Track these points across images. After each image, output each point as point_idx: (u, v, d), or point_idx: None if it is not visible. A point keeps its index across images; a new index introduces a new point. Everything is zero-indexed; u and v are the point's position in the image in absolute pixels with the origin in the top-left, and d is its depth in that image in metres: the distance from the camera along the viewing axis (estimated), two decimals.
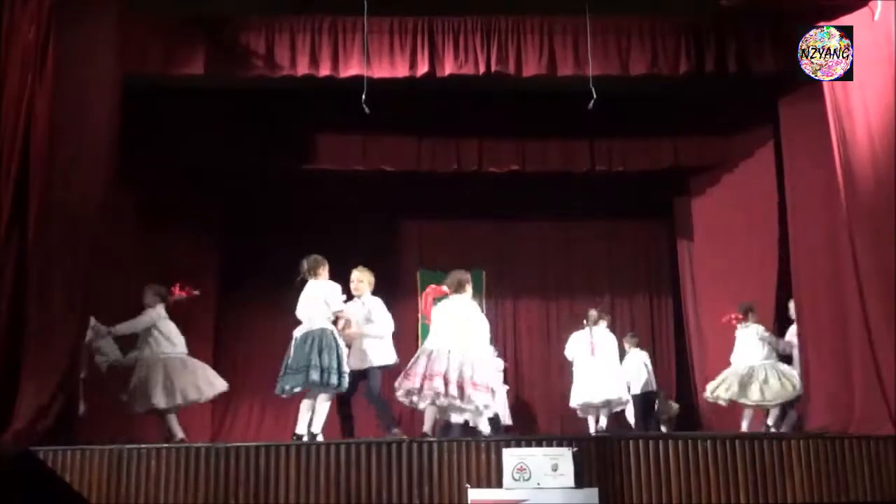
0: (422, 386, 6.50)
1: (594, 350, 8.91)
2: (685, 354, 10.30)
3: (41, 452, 5.25)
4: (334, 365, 6.30)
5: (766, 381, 7.91)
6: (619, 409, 9.17)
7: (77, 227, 5.99)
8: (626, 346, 9.66)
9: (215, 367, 7.78)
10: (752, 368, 8.03)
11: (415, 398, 6.60)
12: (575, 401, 9.05)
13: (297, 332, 6.50)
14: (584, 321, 9.14)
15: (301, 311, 6.57)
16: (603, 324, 9.13)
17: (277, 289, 9.77)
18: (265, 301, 9.91)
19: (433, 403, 6.55)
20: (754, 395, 7.91)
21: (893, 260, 6.14)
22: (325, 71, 7.28)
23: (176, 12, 7.19)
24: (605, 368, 8.88)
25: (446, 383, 6.42)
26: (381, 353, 7.01)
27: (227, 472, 5.32)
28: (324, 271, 6.72)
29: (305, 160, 9.05)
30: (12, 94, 5.75)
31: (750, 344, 8.18)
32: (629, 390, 9.21)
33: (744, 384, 7.95)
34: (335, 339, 6.43)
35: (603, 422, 9.03)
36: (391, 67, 7.30)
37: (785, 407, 8.11)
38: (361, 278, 7.13)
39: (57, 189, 5.80)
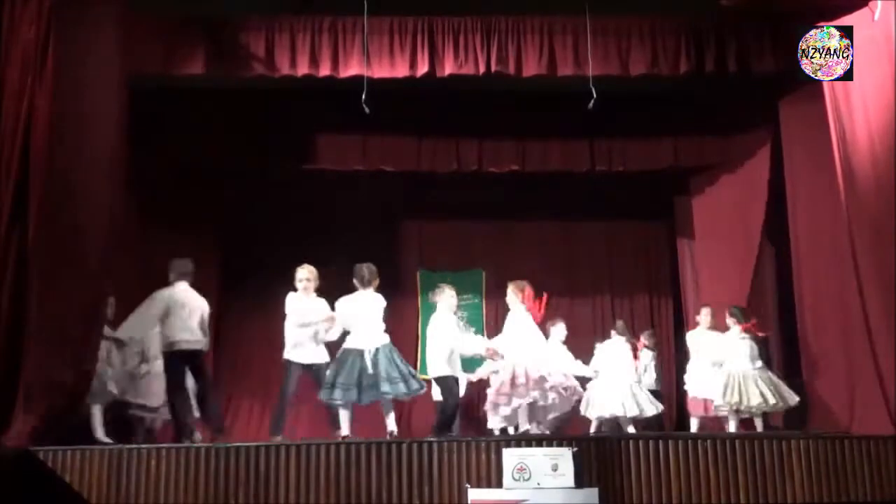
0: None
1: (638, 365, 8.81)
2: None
3: (41, 452, 5.25)
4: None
5: (761, 387, 7.63)
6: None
7: (77, 226, 5.99)
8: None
9: (215, 366, 7.80)
10: (747, 374, 7.71)
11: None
12: (610, 411, 8.60)
13: (370, 345, 6.60)
14: (613, 331, 9.00)
15: (366, 322, 6.67)
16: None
17: (278, 289, 9.82)
18: (265, 301, 9.88)
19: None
20: (755, 400, 7.61)
21: (893, 260, 6.14)
22: (325, 71, 7.29)
23: (176, 12, 7.20)
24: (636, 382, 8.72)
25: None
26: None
27: (227, 472, 5.31)
28: (377, 283, 6.82)
29: (305, 160, 9.05)
30: (12, 94, 5.74)
31: (742, 348, 7.86)
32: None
33: (744, 390, 7.67)
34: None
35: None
36: (391, 67, 7.31)
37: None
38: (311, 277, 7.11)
39: (57, 189, 5.79)
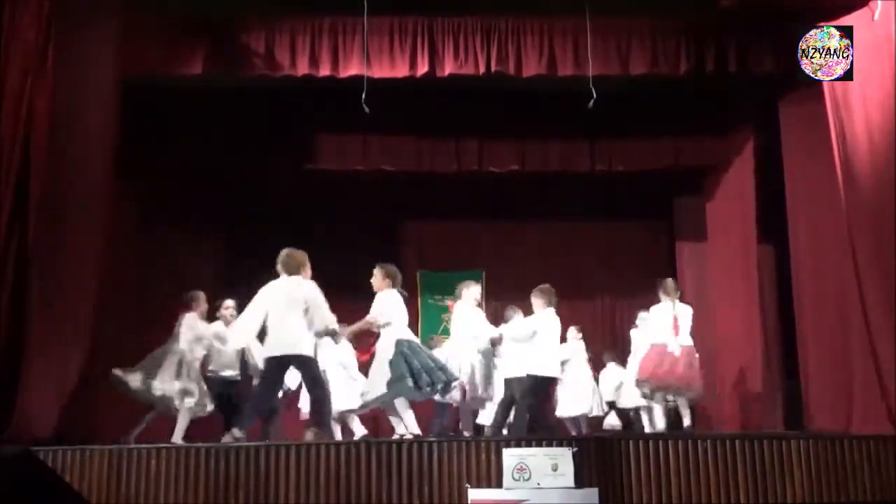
0: None
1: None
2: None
3: (41, 452, 5.25)
4: None
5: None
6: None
7: (77, 227, 6.00)
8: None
9: None
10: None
11: None
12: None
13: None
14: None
15: None
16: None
17: None
18: None
19: None
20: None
21: (893, 259, 6.14)
22: (325, 71, 7.29)
23: (176, 12, 7.19)
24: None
25: None
26: None
27: (227, 472, 5.32)
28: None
29: (305, 160, 9.05)
30: (12, 94, 5.74)
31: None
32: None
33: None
34: None
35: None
36: (391, 67, 7.30)
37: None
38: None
39: (57, 189, 5.80)
